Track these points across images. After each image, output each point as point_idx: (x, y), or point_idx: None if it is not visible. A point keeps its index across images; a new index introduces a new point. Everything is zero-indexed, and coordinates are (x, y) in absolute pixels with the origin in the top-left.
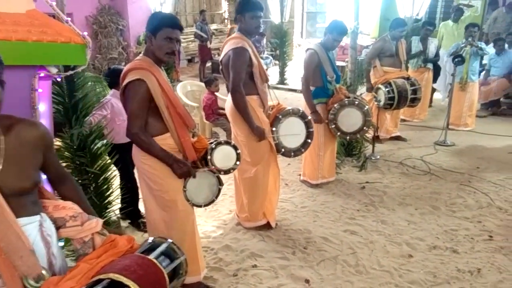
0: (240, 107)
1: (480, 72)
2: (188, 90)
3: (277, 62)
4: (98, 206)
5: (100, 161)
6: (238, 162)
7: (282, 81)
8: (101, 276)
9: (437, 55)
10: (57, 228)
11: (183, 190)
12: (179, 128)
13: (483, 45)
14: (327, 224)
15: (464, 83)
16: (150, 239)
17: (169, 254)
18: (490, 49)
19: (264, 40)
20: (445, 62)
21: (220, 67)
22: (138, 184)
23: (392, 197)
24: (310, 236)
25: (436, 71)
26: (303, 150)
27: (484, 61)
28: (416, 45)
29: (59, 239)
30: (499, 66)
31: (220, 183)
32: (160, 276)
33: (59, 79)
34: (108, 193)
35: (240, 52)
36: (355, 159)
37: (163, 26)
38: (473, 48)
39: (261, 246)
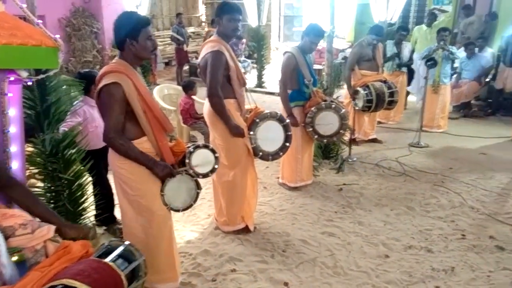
0: (218, 109)
1: (452, 75)
2: (165, 93)
3: (255, 65)
4: (72, 213)
5: (73, 167)
6: (216, 166)
7: (260, 84)
8: (54, 283)
9: (410, 59)
10: (7, 237)
11: (161, 195)
12: (156, 132)
13: (454, 49)
14: (305, 227)
15: (437, 86)
16: (106, 242)
17: (127, 257)
18: (461, 53)
19: (244, 42)
20: (419, 66)
21: (198, 70)
22: (114, 190)
23: (368, 199)
24: (288, 239)
25: (410, 75)
26: (281, 153)
27: (455, 65)
28: (391, 49)
29: (12, 248)
30: (469, 69)
31: (198, 187)
32: (118, 279)
33: (29, 83)
34: (82, 199)
35: (216, 56)
36: (332, 161)
37: (142, 27)
38: (445, 52)
39: (240, 250)
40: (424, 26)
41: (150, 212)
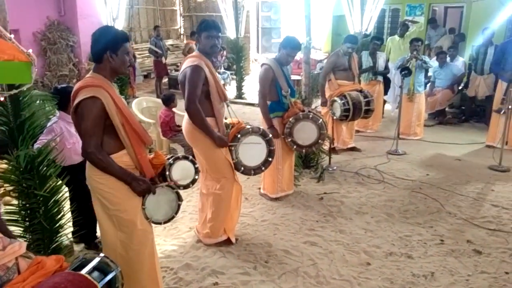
0: (197, 121)
1: (426, 84)
2: (144, 106)
3: (234, 76)
4: (48, 231)
5: (49, 183)
6: (197, 177)
7: (240, 95)
8: None
9: (386, 68)
10: None
11: (142, 208)
12: (135, 145)
13: (426, 58)
14: (287, 237)
15: (411, 94)
16: (81, 255)
17: (103, 268)
18: (434, 63)
19: (224, 54)
20: (393, 75)
21: (179, 85)
22: None
23: (349, 207)
24: (271, 249)
25: (387, 84)
26: (263, 168)
27: (429, 74)
28: (366, 59)
29: None
30: (442, 78)
31: (180, 198)
32: None
33: (1, 99)
34: (59, 216)
35: (195, 70)
36: (312, 171)
37: (123, 42)
38: (418, 62)
39: (222, 262)
40: (397, 37)
41: (132, 226)
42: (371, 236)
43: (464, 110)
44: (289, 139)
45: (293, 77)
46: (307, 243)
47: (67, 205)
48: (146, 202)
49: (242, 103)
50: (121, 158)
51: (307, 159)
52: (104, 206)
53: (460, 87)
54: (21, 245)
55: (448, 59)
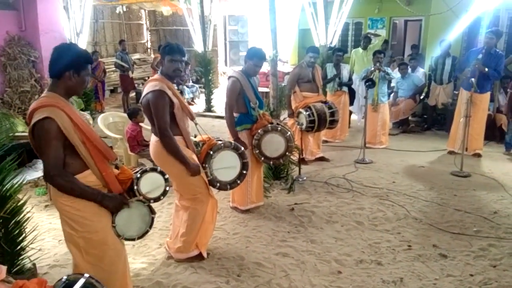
0: (172, 150)
1: (390, 94)
2: (110, 121)
3: (203, 90)
4: (9, 254)
5: (9, 204)
6: (167, 188)
7: (209, 108)
8: None
9: (350, 79)
10: None
11: (113, 226)
12: (99, 163)
13: (389, 70)
14: (259, 249)
15: (376, 104)
16: (64, 277)
17: None
18: (396, 74)
19: (189, 68)
20: (358, 86)
21: (143, 108)
22: None
23: (319, 216)
24: (243, 262)
25: (352, 95)
26: (239, 181)
27: (392, 84)
28: (331, 71)
29: None
30: (404, 88)
31: (152, 212)
32: None
33: None
34: (20, 238)
35: (158, 95)
36: (283, 182)
37: (86, 63)
38: (381, 73)
39: (194, 278)
40: (360, 49)
41: (104, 247)
42: (342, 244)
43: (426, 118)
44: (257, 151)
45: (262, 89)
46: (279, 254)
47: (29, 226)
48: (116, 219)
49: (211, 116)
50: (87, 179)
51: (277, 171)
52: (73, 229)
53: (421, 97)
54: (1, 269)
55: (409, 70)
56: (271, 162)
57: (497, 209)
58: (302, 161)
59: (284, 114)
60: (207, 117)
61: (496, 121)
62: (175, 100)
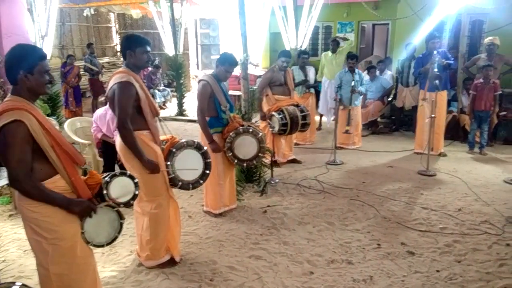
0: (129, 142)
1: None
2: (78, 127)
3: (175, 93)
4: None
5: None
6: (137, 192)
7: (181, 112)
8: None
9: (315, 81)
10: None
11: (81, 233)
12: (68, 167)
13: (361, 74)
14: (232, 252)
15: (349, 107)
16: None
17: None
18: (365, 76)
19: (160, 72)
20: (326, 88)
21: (108, 102)
22: None
23: (292, 218)
24: (216, 267)
25: (317, 96)
26: (201, 181)
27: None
28: (298, 73)
29: None
30: (373, 90)
31: (121, 217)
32: None
33: None
34: None
35: (125, 87)
36: (255, 184)
37: (39, 61)
38: (356, 76)
39: (165, 285)
40: (329, 53)
41: (72, 254)
42: (314, 245)
43: (394, 120)
44: (230, 154)
45: (233, 92)
46: (252, 257)
47: None
48: (85, 225)
49: (184, 120)
50: (56, 184)
51: (250, 173)
52: (41, 236)
53: (389, 99)
54: None
55: (377, 73)
56: (245, 164)
57: (461, 206)
58: (274, 163)
59: (255, 117)
60: (179, 121)
61: (460, 122)
62: (141, 93)
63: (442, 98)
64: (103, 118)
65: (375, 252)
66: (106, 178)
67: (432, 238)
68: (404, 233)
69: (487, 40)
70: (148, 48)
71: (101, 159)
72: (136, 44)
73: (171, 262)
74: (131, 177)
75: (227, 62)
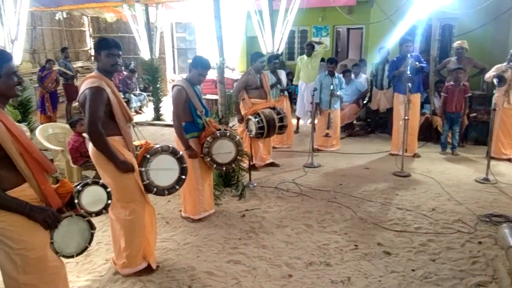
0: (100, 145)
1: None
2: (50, 133)
3: (151, 98)
4: None
5: None
6: (109, 201)
7: (157, 117)
8: None
9: (287, 84)
10: None
11: (50, 243)
12: (37, 175)
13: (341, 78)
14: (210, 258)
15: (330, 111)
16: None
17: None
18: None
19: (135, 77)
20: (303, 92)
21: (80, 107)
22: None
23: (270, 221)
24: (194, 273)
25: (290, 100)
26: (177, 187)
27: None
28: (270, 77)
29: None
30: (349, 93)
31: (92, 227)
32: None
33: None
34: None
35: (96, 91)
36: (234, 188)
37: (4, 63)
38: (335, 80)
39: None
40: (305, 56)
41: (42, 265)
42: (292, 248)
43: (370, 122)
44: (209, 159)
45: (211, 96)
46: (230, 262)
47: None
48: (54, 235)
49: (160, 125)
50: (25, 192)
51: (228, 178)
52: (8, 246)
53: (364, 102)
54: None
55: (352, 76)
56: (224, 168)
57: (435, 206)
58: (252, 167)
59: (233, 121)
60: (156, 125)
61: (432, 123)
62: (113, 98)
63: (416, 101)
64: None
65: (353, 253)
66: (78, 187)
67: (408, 238)
68: (380, 233)
69: (456, 44)
70: (115, 51)
71: (75, 166)
72: (101, 47)
73: (148, 270)
74: (104, 186)
75: (200, 65)
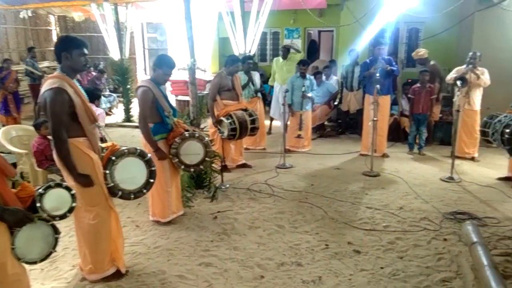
0: (61, 154)
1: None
2: (13, 135)
3: (121, 99)
4: None
5: None
6: (74, 204)
7: (128, 118)
8: None
9: (261, 85)
10: None
11: (12, 249)
12: None
13: (312, 80)
14: (182, 261)
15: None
16: None
17: None
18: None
19: (105, 77)
20: (278, 93)
21: (41, 109)
22: None
23: (242, 223)
24: (164, 277)
25: (264, 101)
26: (145, 191)
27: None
28: (243, 78)
29: None
30: (320, 95)
31: (57, 231)
32: None
33: None
34: None
35: (56, 93)
36: (206, 190)
37: None
38: (306, 82)
39: None
40: (280, 58)
41: (1, 273)
42: (264, 249)
43: (340, 123)
44: (176, 160)
45: (182, 98)
46: (202, 264)
47: None
48: (16, 240)
49: (131, 126)
50: None
51: (200, 179)
52: None
53: (335, 103)
54: None
55: (323, 77)
56: (192, 169)
57: (402, 205)
58: (224, 168)
59: (204, 122)
60: (126, 127)
61: (400, 124)
62: (76, 99)
63: (385, 102)
64: None
65: (324, 253)
66: (40, 190)
67: (377, 236)
68: (350, 232)
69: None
70: (86, 51)
71: (39, 170)
72: (72, 45)
73: (117, 275)
74: (68, 188)
75: (165, 65)
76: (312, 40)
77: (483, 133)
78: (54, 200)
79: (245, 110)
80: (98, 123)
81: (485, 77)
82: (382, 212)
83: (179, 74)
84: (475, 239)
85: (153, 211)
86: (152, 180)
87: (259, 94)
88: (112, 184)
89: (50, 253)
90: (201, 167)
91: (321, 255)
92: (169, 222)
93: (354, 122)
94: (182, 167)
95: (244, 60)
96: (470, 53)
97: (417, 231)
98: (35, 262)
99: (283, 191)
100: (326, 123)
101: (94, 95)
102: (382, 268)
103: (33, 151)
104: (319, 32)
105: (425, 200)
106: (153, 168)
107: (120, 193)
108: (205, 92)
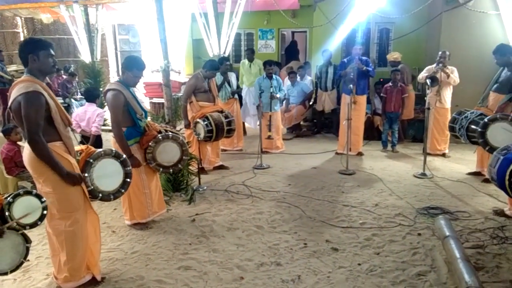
0: (44, 156)
1: (282, 101)
2: None
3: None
4: None
5: None
6: (45, 212)
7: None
8: None
9: (238, 87)
10: None
11: None
12: None
13: (279, 80)
14: (160, 265)
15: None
16: None
17: None
18: (288, 82)
19: (76, 80)
20: (245, 96)
21: (11, 114)
22: None
23: (221, 225)
24: (143, 282)
25: (240, 102)
26: (123, 191)
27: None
28: (219, 79)
29: None
30: (295, 95)
31: (28, 240)
32: None
33: None
34: None
35: (33, 97)
36: (183, 193)
37: None
38: (273, 82)
39: None
40: (246, 61)
41: None
42: (243, 250)
43: (316, 123)
44: (153, 164)
45: (157, 100)
46: (181, 268)
47: None
48: None
49: (105, 130)
50: None
51: (177, 182)
52: None
53: (310, 103)
54: None
55: (298, 78)
56: (171, 170)
57: (377, 202)
58: (201, 170)
59: (180, 125)
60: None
61: (373, 123)
62: (51, 102)
63: (361, 102)
64: (83, 115)
65: (302, 252)
66: (9, 199)
67: (354, 234)
68: (328, 230)
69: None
70: (52, 52)
71: (9, 177)
72: (39, 47)
73: (93, 282)
74: (38, 196)
75: (135, 67)
76: (293, 40)
77: (452, 129)
78: (24, 208)
79: (221, 111)
80: (72, 127)
81: (455, 76)
82: (359, 210)
83: (153, 76)
84: (447, 233)
85: (131, 214)
86: (128, 180)
87: (236, 96)
88: (91, 187)
89: (22, 263)
90: (179, 166)
91: (300, 254)
92: (146, 226)
93: (329, 122)
94: (161, 170)
95: (222, 61)
96: (440, 52)
97: (393, 227)
98: (6, 273)
99: (261, 191)
100: (301, 123)
101: (94, 95)
102: (359, 264)
103: (2, 157)
104: (293, 32)
105: (400, 196)
106: (128, 168)
107: (100, 195)
108: (180, 94)
